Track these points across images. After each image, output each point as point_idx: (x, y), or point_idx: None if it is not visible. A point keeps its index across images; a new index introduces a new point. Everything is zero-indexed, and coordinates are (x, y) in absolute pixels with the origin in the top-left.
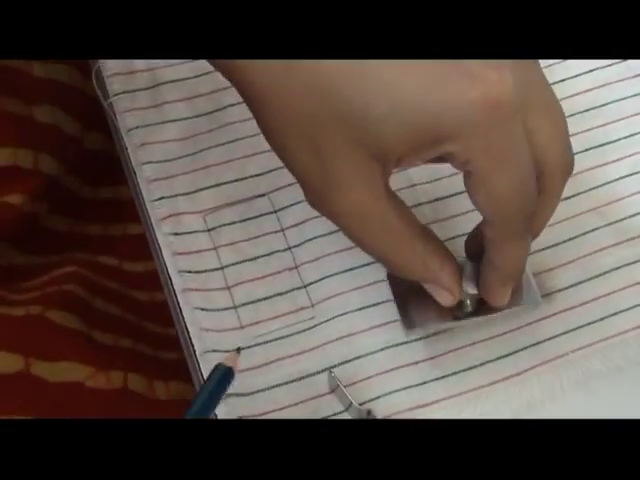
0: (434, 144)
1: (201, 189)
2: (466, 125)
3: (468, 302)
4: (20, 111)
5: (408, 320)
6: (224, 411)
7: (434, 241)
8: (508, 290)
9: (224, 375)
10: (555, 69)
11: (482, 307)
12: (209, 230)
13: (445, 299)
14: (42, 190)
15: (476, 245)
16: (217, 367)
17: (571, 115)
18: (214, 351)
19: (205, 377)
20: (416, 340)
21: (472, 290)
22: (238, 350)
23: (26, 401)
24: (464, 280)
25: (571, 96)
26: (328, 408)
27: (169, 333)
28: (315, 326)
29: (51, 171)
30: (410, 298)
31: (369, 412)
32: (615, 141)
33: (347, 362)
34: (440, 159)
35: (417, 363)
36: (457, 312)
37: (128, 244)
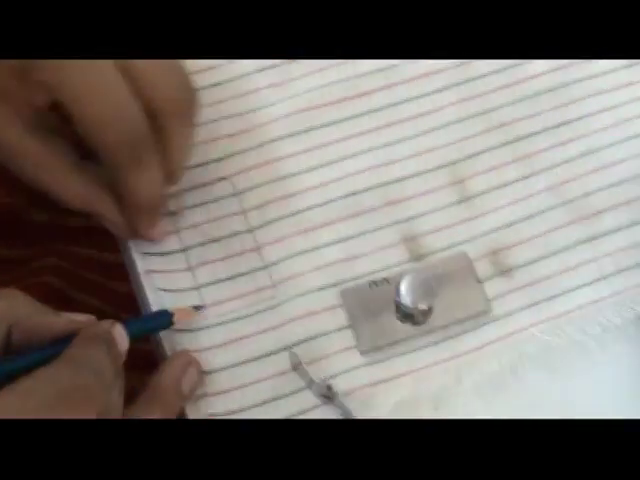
0: (28, 76)
1: None
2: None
3: (419, 315)
4: None
5: (363, 343)
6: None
7: (89, 173)
8: (141, 219)
9: (163, 315)
10: None
11: (432, 317)
12: (171, 213)
13: (115, 230)
14: (22, 183)
15: None
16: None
17: (527, 98)
18: (178, 331)
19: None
20: None
21: (421, 305)
22: (196, 308)
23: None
24: (412, 294)
25: (526, 79)
26: (289, 385)
27: None
28: (276, 305)
29: None
30: (364, 319)
31: (329, 387)
32: (569, 122)
33: (308, 340)
34: None
35: None
36: (408, 323)
37: (109, 235)
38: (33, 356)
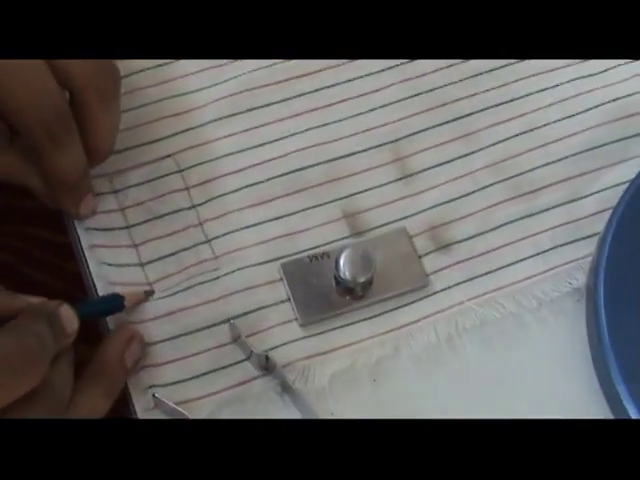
0: None
1: None
2: None
3: (358, 288)
4: None
5: (303, 315)
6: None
7: (22, 149)
8: (65, 197)
9: (115, 299)
10: None
11: (371, 291)
12: (115, 191)
13: (46, 201)
14: None
15: None
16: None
17: (469, 77)
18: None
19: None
20: None
21: (360, 278)
22: (146, 293)
23: None
24: (351, 267)
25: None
26: (230, 357)
27: None
28: (218, 278)
29: None
30: (304, 293)
31: (267, 358)
32: (509, 101)
33: (248, 313)
34: None
35: None
36: (348, 297)
37: (62, 218)
38: None
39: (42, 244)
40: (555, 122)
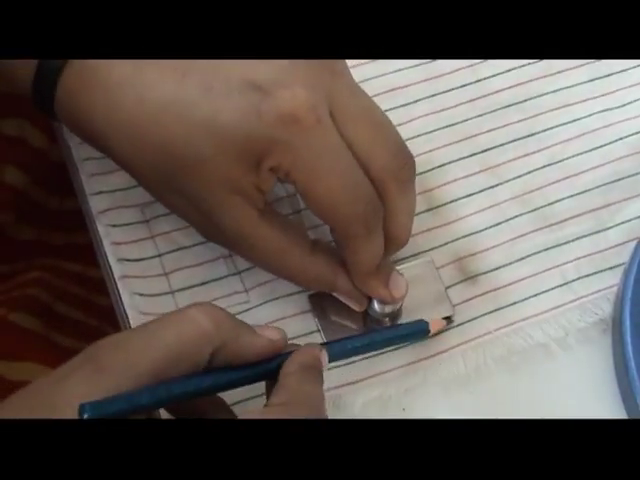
0: (259, 165)
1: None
2: (271, 143)
3: (386, 320)
4: None
5: (329, 335)
6: None
7: (323, 253)
8: (374, 283)
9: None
10: (479, 68)
11: (398, 322)
12: (147, 221)
13: (353, 305)
14: (8, 201)
15: None
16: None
17: (495, 110)
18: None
19: None
20: None
21: (388, 309)
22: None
23: None
24: (377, 300)
25: (496, 92)
26: (260, 387)
27: None
28: (248, 309)
29: (17, 183)
30: (333, 324)
31: None
32: (535, 134)
33: None
34: None
35: None
36: (376, 328)
37: (92, 252)
38: (238, 373)
39: (73, 278)
40: (580, 154)
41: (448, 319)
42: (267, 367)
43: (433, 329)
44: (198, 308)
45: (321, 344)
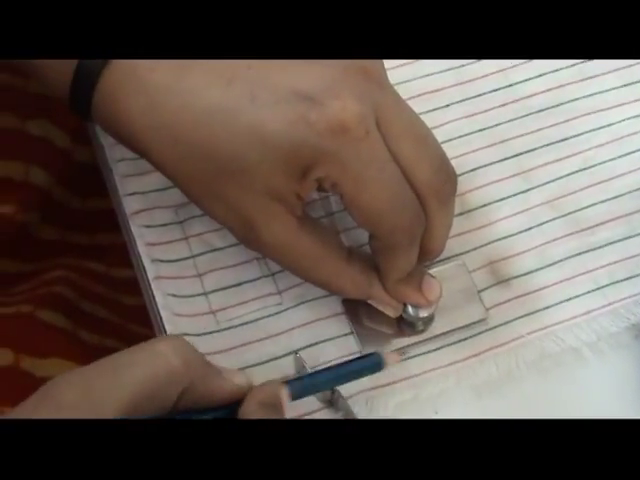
0: (306, 175)
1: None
2: (320, 153)
3: (420, 323)
4: (13, 125)
5: (366, 349)
6: None
7: (359, 260)
8: (406, 289)
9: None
10: (509, 73)
11: (432, 326)
12: (181, 222)
13: (387, 312)
14: (33, 201)
15: None
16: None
17: (527, 114)
18: (185, 334)
19: None
20: None
21: (422, 313)
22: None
23: (15, 394)
24: (411, 304)
25: (528, 97)
26: None
27: (153, 335)
28: (282, 311)
29: (42, 183)
30: (366, 326)
31: (332, 390)
32: (567, 139)
33: (312, 346)
34: None
35: None
36: (409, 331)
37: (115, 252)
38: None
39: (97, 278)
40: (613, 159)
41: (481, 321)
42: (229, 405)
43: (388, 362)
44: (167, 344)
45: (282, 382)
